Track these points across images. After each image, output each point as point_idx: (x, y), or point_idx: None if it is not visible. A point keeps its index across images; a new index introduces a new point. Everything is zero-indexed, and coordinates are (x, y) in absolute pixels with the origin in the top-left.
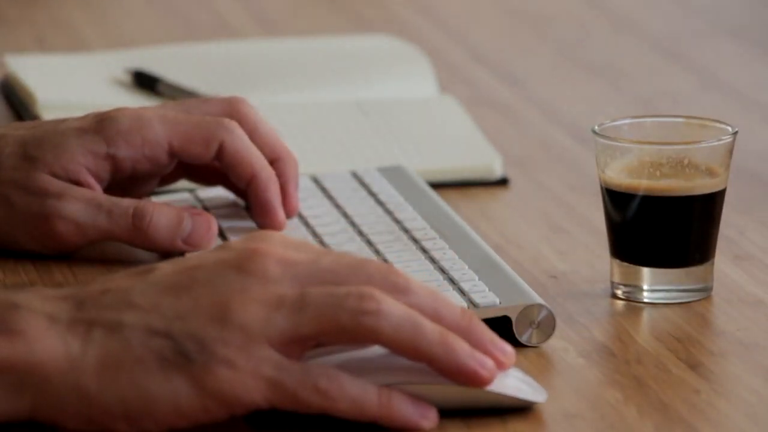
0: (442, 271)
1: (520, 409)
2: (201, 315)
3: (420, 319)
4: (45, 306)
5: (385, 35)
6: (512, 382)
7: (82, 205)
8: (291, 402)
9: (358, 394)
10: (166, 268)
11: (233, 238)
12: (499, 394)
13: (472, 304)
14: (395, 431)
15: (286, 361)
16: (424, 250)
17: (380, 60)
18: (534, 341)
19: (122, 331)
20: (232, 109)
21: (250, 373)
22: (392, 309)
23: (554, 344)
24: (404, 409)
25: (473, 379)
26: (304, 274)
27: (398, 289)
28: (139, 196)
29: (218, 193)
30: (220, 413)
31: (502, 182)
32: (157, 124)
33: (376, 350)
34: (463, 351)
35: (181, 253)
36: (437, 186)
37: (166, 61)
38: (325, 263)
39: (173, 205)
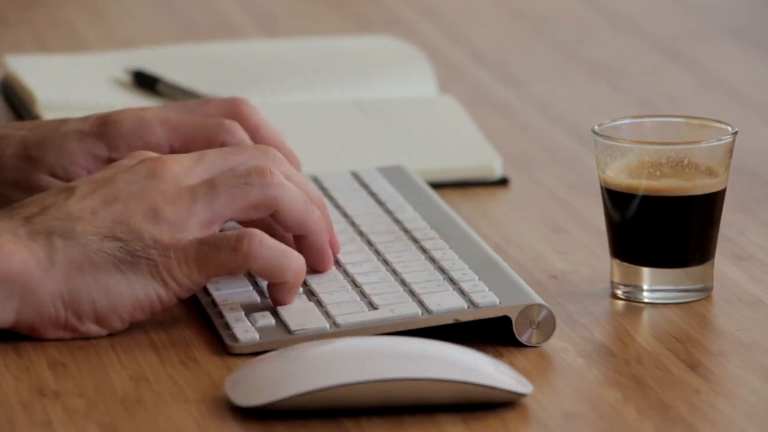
0: (442, 271)
1: (518, 407)
2: (135, 218)
3: (306, 196)
4: (2, 223)
5: (385, 35)
6: (501, 377)
7: None
8: (220, 268)
9: (278, 255)
10: (84, 185)
11: None
12: (490, 388)
13: (472, 304)
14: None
15: (209, 236)
16: (424, 250)
17: (380, 60)
18: (534, 341)
19: (78, 238)
20: (233, 110)
21: (183, 258)
22: (287, 182)
23: (554, 344)
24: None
25: (329, 257)
26: (201, 167)
27: (277, 161)
28: None
29: None
30: (171, 298)
31: (502, 182)
32: (158, 127)
33: (376, 344)
34: (325, 230)
35: None
36: (437, 186)
37: (166, 61)
38: (210, 155)
39: None
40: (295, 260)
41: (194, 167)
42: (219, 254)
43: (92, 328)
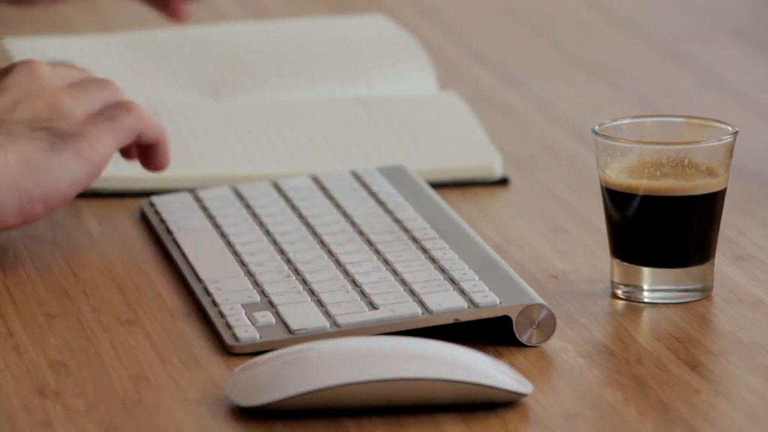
0: (443, 271)
1: (518, 407)
2: (44, 112)
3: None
4: None
5: (376, 15)
6: (502, 377)
7: None
8: (127, 135)
9: (153, 118)
10: None
11: (236, 240)
12: (491, 388)
13: (473, 304)
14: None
15: (104, 111)
16: (424, 250)
17: (378, 53)
18: (534, 341)
19: (15, 133)
20: None
21: (104, 134)
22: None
23: (554, 344)
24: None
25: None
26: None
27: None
28: None
29: (219, 193)
30: (95, 174)
31: (503, 182)
32: None
33: (376, 344)
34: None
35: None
36: (437, 186)
37: (163, 47)
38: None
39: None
40: (160, 122)
41: (59, 70)
42: (122, 118)
43: (39, 211)
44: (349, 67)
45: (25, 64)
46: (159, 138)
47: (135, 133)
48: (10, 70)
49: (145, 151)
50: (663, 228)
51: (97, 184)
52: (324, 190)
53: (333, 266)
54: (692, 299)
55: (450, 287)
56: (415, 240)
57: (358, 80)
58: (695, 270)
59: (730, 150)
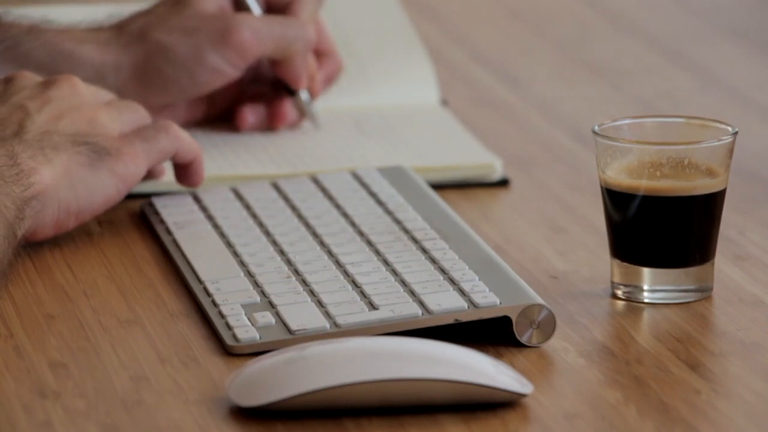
0: (443, 271)
1: (518, 407)
2: (84, 127)
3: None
4: (14, 148)
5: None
6: (502, 377)
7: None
8: (160, 155)
9: (190, 139)
10: (29, 102)
11: (236, 240)
12: (491, 388)
13: (473, 304)
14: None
15: (140, 129)
16: (424, 251)
17: (381, 59)
18: (534, 341)
19: (59, 146)
20: None
21: (139, 153)
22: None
23: (554, 344)
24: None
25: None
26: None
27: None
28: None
29: (219, 194)
30: (125, 191)
31: (503, 183)
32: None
33: (376, 344)
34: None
35: None
36: (437, 186)
37: None
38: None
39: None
40: (196, 143)
41: (93, 88)
42: (160, 145)
43: (72, 223)
44: (351, 74)
45: (67, 78)
46: (194, 158)
47: (169, 154)
48: (52, 83)
49: (180, 168)
50: (663, 228)
51: None
52: (324, 190)
53: (333, 267)
54: (692, 299)
55: (450, 287)
56: (415, 240)
57: (358, 89)
58: (695, 270)
59: (730, 150)
